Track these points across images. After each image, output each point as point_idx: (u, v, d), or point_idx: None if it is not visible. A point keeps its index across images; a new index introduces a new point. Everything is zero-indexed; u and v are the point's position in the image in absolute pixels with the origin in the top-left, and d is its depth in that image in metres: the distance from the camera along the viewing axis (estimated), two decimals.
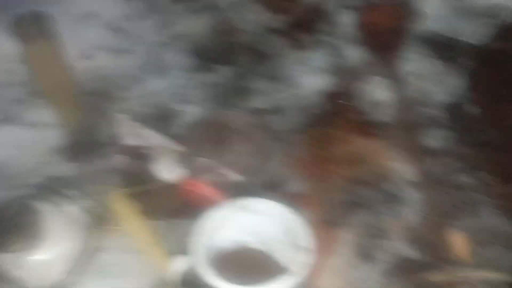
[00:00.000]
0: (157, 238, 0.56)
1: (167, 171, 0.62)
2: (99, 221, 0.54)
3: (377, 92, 0.70)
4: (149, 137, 0.65)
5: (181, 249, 0.54)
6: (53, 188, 0.52)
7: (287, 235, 0.51)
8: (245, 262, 0.52)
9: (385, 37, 0.73)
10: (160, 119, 0.68)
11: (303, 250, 0.48)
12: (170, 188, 0.60)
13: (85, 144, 0.65)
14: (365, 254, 0.56)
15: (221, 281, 0.45)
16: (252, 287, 0.45)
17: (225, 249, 0.52)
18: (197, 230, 0.48)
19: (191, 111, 0.69)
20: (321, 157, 0.64)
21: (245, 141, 0.61)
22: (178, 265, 0.49)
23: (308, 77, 0.72)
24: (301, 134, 0.66)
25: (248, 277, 0.46)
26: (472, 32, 0.74)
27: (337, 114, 0.68)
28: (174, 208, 0.59)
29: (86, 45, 0.72)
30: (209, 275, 0.45)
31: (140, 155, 0.63)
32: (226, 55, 0.75)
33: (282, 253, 0.52)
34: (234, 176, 0.59)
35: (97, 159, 0.63)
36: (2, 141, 0.64)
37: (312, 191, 0.61)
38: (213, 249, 0.50)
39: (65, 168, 0.62)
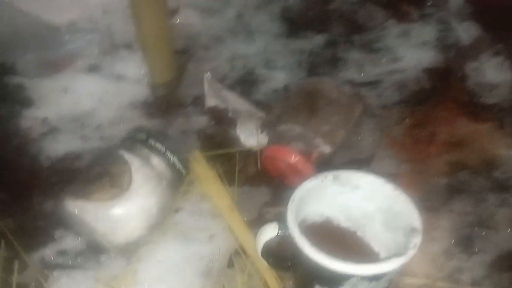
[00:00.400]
0: (235, 203, 0.53)
1: (249, 136, 0.59)
2: (179, 181, 0.51)
3: (490, 73, 0.63)
4: (233, 101, 0.62)
5: (259, 217, 0.52)
6: (141, 140, 0.48)
7: (386, 214, 0.45)
8: (332, 241, 0.47)
9: (503, 14, 0.65)
10: (246, 83, 0.65)
11: (407, 232, 0.42)
12: (251, 154, 0.57)
13: (169, 101, 0.63)
14: (466, 243, 0.50)
15: (322, 254, 0.39)
16: (348, 265, 0.39)
17: (312, 224, 0.47)
18: (289, 200, 0.43)
19: (278, 77, 0.66)
20: (421, 138, 0.58)
21: (337, 112, 0.55)
22: (262, 234, 0.44)
23: (411, 51, 0.66)
24: (398, 111, 0.61)
25: (335, 256, 0.41)
26: None
27: (442, 93, 0.61)
28: (253, 175, 0.56)
29: (177, 2, 0.69)
30: (309, 248, 0.40)
31: (222, 118, 0.60)
32: (319, 22, 0.70)
33: (376, 234, 0.46)
34: (323, 148, 0.54)
35: (179, 117, 0.61)
36: (88, 90, 0.63)
37: (409, 173, 0.55)
38: (301, 222, 0.45)
39: (149, 124, 0.60)
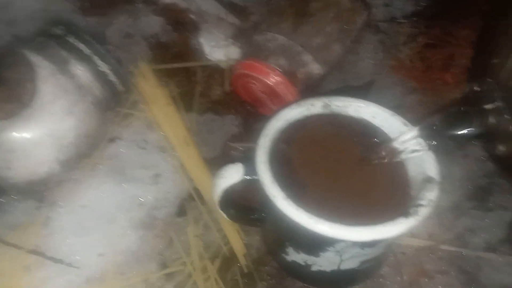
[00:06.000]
0: (192, 135, 0.42)
1: (216, 48, 0.49)
2: (114, 100, 0.38)
3: None
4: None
5: (223, 154, 0.42)
6: (57, 37, 0.34)
7: None
8: (311, 193, 0.35)
9: None
10: None
11: (417, 184, 0.32)
12: (217, 71, 0.48)
13: None
14: (481, 197, 0.41)
15: (301, 210, 0.29)
16: (337, 228, 0.29)
17: (286, 168, 0.36)
18: (260, 134, 0.33)
19: None
20: (435, 62, 0.48)
21: (334, 20, 0.43)
22: (222, 177, 0.33)
23: None
24: (409, 26, 0.50)
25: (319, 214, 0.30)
26: None
27: (465, 5, 0.50)
28: (218, 99, 0.47)
29: None
30: (282, 199, 0.30)
31: (182, 21, 0.50)
32: None
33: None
34: (312, 67, 0.42)
35: (124, 15, 0.49)
36: None
37: (418, 103, 0.45)
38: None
39: (82, 22, 0.48)
